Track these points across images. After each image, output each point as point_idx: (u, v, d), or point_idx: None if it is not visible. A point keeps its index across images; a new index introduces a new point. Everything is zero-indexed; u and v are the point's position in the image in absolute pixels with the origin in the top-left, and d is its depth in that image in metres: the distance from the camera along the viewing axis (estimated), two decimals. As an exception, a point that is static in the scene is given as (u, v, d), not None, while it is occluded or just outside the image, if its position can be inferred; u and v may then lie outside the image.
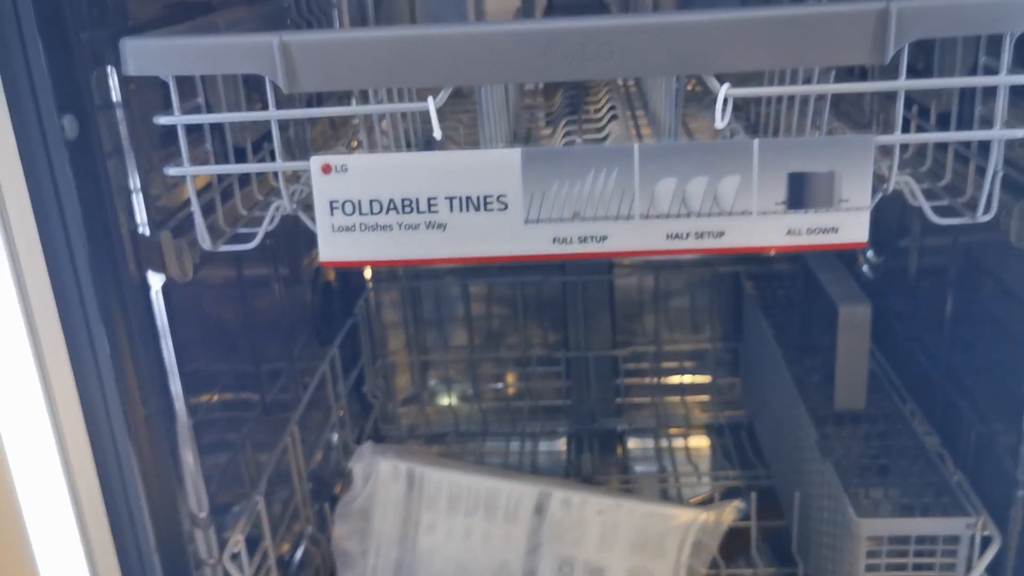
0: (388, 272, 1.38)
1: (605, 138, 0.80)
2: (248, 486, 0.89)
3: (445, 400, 1.42)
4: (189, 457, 0.77)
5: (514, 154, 0.61)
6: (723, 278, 1.36)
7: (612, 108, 0.91)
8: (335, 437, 1.17)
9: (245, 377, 0.93)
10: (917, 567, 0.75)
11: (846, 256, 1.16)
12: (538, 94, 1.13)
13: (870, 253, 1.14)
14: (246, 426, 0.91)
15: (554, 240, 0.63)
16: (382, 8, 1.23)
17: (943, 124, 0.76)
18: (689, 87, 1.00)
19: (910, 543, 0.75)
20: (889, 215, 1.06)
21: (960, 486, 0.78)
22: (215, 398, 0.84)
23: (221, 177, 0.74)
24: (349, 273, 1.32)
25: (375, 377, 1.36)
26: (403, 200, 0.62)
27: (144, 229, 0.70)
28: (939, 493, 0.78)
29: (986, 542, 0.74)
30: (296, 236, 1.09)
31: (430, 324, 1.40)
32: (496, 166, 0.61)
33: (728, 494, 1.14)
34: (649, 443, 1.35)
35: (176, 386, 0.75)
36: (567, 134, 0.85)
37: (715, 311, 1.37)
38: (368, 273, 1.37)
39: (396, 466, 0.90)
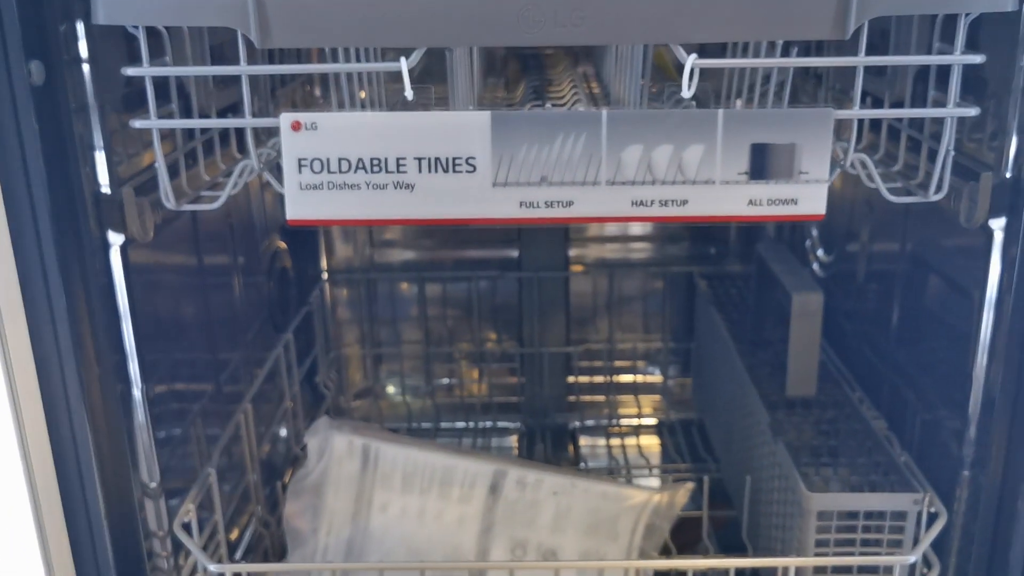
0: (344, 264, 1.37)
1: (570, 117, 0.81)
2: (200, 463, 0.88)
3: (398, 394, 1.42)
4: (142, 424, 0.76)
5: (484, 116, 0.62)
6: (676, 279, 1.38)
7: (576, 95, 0.92)
8: (285, 429, 1.16)
9: (201, 354, 0.92)
10: (865, 543, 0.77)
11: (799, 255, 1.18)
12: (499, 88, 1.14)
13: (821, 252, 1.17)
14: (200, 402, 0.90)
15: (521, 204, 0.63)
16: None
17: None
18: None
19: (859, 519, 0.76)
20: (839, 219, 1.09)
21: (907, 465, 0.80)
22: (170, 372, 0.83)
23: (185, 141, 0.74)
24: (305, 263, 1.31)
25: (328, 368, 1.36)
26: (372, 159, 0.62)
27: (106, 188, 0.69)
28: (887, 472, 0.80)
29: (932, 518, 0.75)
30: (253, 221, 1.09)
31: (385, 318, 1.40)
32: (466, 128, 0.62)
33: (679, 487, 1.16)
34: (600, 440, 1.36)
35: (132, 351, 0.74)
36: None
37: (668, 311, 1.39)
38: (324, 263, 1.36)
39: (352, 441, 0.90)
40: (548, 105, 0.84)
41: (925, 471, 0.80)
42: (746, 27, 0.59)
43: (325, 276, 1.37)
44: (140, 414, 0.76)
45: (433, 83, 0.97)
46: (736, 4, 0.59)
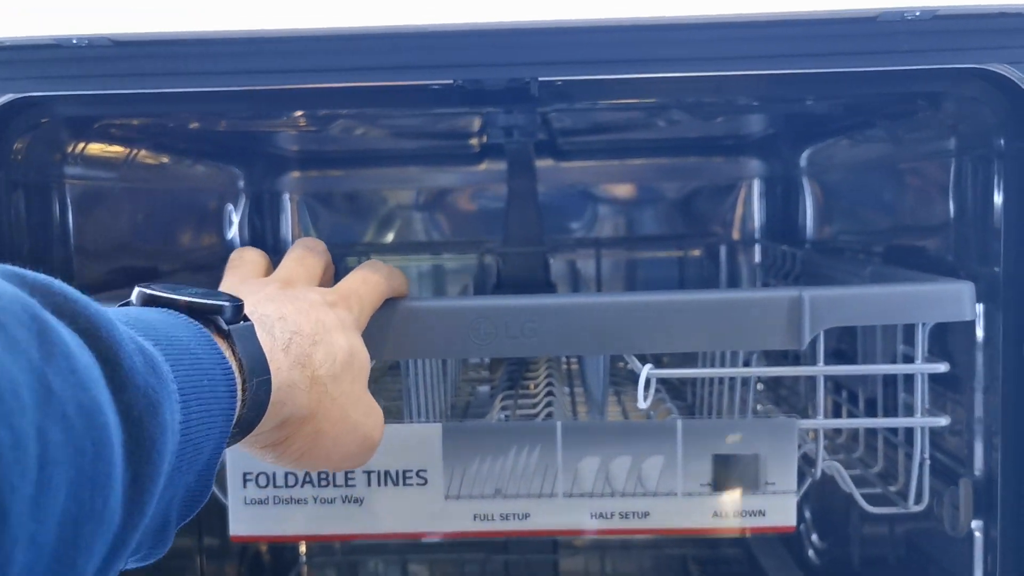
0: (322, 545, 1.32)
1: (538, 414, 0.80)
2: None
3: None
4: None
5: (435, 429, 0.60)
6: (671, 560, 1.31)
7: (550, 384, 0.91)
8: None
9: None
10: None
11: (791, 539, 1.12)
12: (483, 367, 1.14)
13: (815, 537, 1.11)
14: None
15: (475, 517, 0.60)
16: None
17: (872, 409, 0.76)
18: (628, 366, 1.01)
19: None
20: (833, 499, 1.04)
21: None
22: None
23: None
24: (282, 546, 1.26)
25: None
26: (319, 473, 0.60)
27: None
28: None
29: None
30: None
31: (365, 603, 1.32)
32: (417, 441, 0.60)
33: None
34: None
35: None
36: (503, 408, 0.85)
37: (664, 596, 1.31)
38: (303, 547, 1.31)
39: None
40: (514, 414, 0.82)
41: None
42: (699, 339, 0.58)
43: (303, 559, 1.31)
44: None
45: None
46: (689, 317, 0.58)
